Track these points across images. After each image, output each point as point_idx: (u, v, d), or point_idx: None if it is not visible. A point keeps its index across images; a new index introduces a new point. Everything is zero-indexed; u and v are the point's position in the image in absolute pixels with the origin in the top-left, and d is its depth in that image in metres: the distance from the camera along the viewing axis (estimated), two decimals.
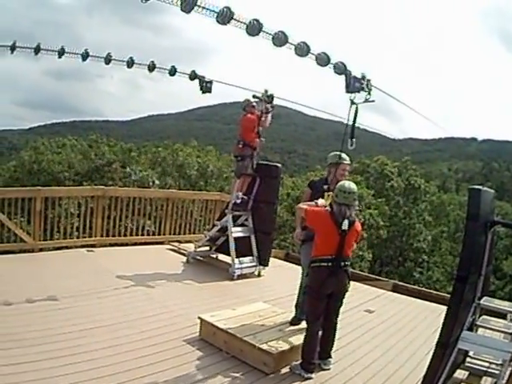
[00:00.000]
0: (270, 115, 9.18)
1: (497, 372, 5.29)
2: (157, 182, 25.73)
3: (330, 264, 5.13)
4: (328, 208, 5.37)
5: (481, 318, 5.44)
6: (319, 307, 5.25)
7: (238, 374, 5.05)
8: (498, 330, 5.56)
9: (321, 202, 5.66)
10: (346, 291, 5.36)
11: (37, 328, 5.56)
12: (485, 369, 5.46)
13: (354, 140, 6.07)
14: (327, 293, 5.21)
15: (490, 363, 5.48)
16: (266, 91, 8.98)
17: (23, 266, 8.41)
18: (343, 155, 6.27)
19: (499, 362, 5.27)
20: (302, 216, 5.70)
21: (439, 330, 4.37)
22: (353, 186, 5.28)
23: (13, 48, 8.55)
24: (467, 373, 5.46)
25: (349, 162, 6.40)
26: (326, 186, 6.04)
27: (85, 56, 8.91)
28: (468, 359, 5.53)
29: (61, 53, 8.77)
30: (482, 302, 5.17)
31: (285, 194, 30.77)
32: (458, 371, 5.34)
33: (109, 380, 4.55)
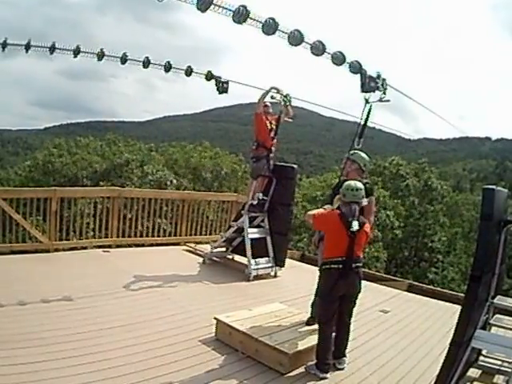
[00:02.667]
0: (289, 108, 9.19)
1: (509, 370, 5.34)
2: (174, 181, 25.76)
3: (340, 266, 5.11)
4: (335, 209, 5.38)
5: (494, 316, 5.46)
6: (331, 309, 5.23)
7: (253, 374, 5.07)
8: (511, 329, 5.58)
9: (328, 207, 5.66)
10: (359, 292, 5.35)
11: (52, 328, 5.61)
12: (497, 367, 5.48)
13: (361, 140, 6.04)
14: (339, 295, 5.19)
15: (503, 361, 5.50)
16: (281, 91, 8.98)
17: (39, 265, 8.49)
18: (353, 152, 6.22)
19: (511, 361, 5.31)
20: (311, 223, 5.68)
21: (453, 329, 4.38)
22: (359, 183, 5.30)
23: (27, 47, 8.57)
24: (480, 371, 5.47)
25: (348, 156, 6.16)
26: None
27: (100, 55, 8.93)
28: (481, 358, 5.55)
29: (76, 52, 8.78)
30: (495, 300, 5.19)
31: (301, 194, 30.69)
32: (471, 370, 5.35)
33: (124, 380, 4.58)
